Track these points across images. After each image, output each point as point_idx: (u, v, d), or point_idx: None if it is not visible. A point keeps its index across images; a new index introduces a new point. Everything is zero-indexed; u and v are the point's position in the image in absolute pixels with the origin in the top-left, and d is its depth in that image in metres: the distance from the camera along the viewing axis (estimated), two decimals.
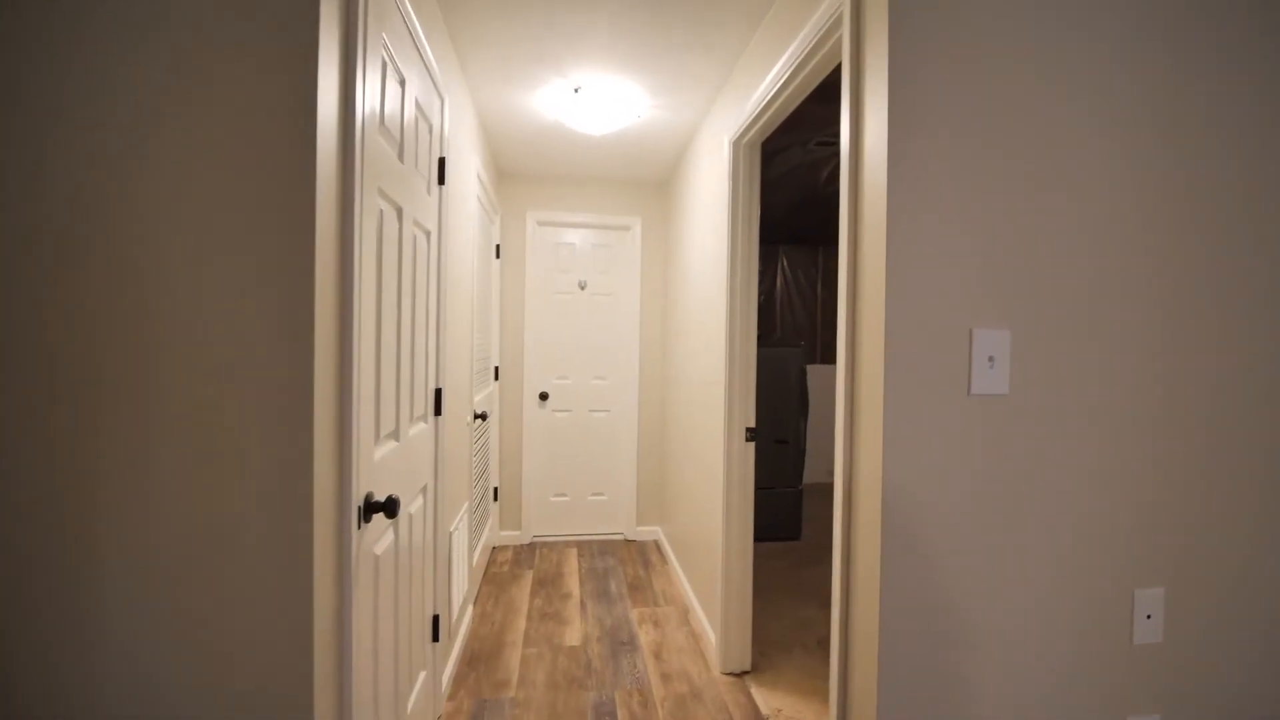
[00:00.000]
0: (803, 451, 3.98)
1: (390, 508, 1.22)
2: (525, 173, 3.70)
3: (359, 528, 1.17)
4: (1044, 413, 1.17)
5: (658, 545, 3.82)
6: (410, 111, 1.55)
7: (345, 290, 1.10)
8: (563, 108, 2.65)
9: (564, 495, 3.92)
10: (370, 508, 1.22)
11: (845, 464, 1.27)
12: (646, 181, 3.84)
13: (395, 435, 1.46)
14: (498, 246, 3.64)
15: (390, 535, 1.43)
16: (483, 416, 2.83)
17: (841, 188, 1.30)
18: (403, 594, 1.54)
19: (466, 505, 2.62)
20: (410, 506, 1.62)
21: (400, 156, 1.47)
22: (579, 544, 3.84)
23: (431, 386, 1.87)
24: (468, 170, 2.52)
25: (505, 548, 3.77)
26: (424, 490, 1.79)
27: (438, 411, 1.92)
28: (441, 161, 1.93)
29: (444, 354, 1.98)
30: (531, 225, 3.79)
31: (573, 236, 3.87)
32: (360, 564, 1.19)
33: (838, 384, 1.30)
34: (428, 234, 1.79)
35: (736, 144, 2.23)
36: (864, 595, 1.20)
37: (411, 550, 1.63)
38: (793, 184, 3.74)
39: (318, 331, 0.99)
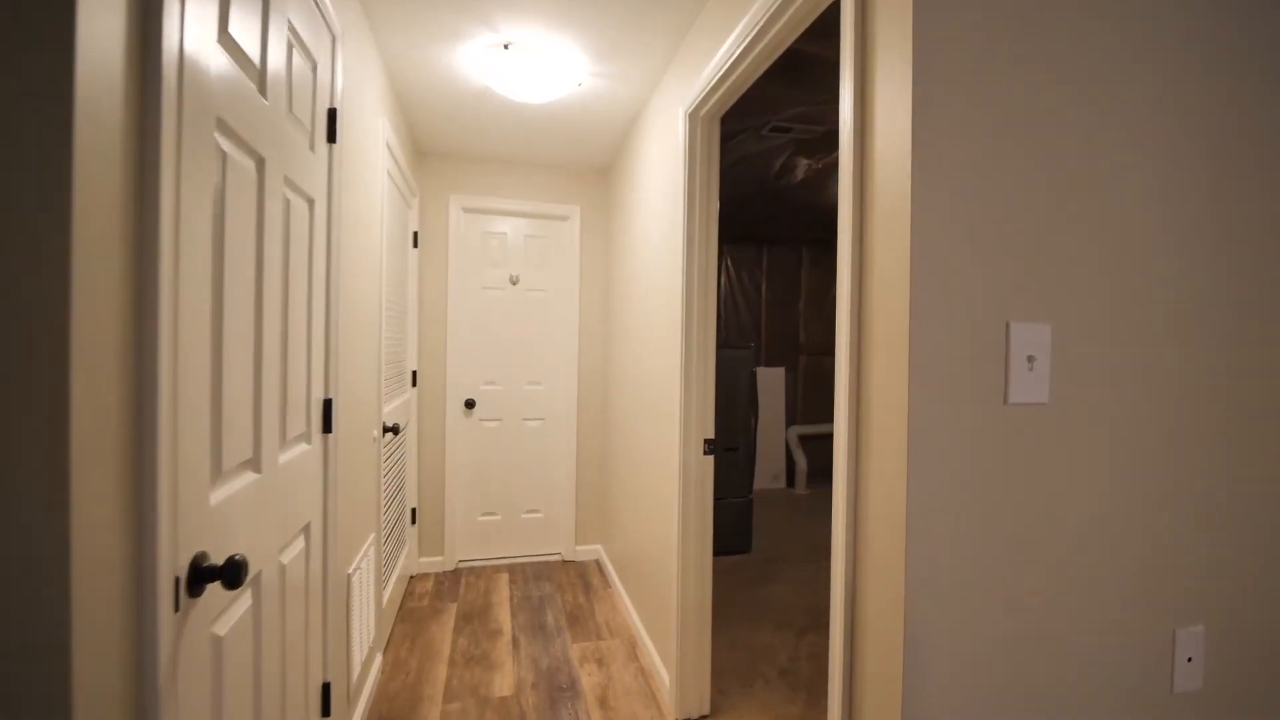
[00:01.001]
0: (753, 459, 3.79)
1: (231, 574, 0.86)
2: (448, 151, 3.31)
3: (177, 609, 0.81)
4: (1089, 426, 0.96)
5: (599, 566, 3.52)
6: (280, 35, 1.18)
7: (142, 258, 0.74)
8: (491, 69, 2.31)
9: (494, 514, 3.54)
10: (200, 575, 0.85)
11: (848, 492, 1.02)
12: (587, 166, 3.54)
13: (254, 465, 1.09)
14: (415, 234, 3.23)
15: (245, 602, 1.06)
16: (394, 430, 2.43)
17: (843, 171, 1.06)
18: (270, 673, 1.17)
19: (374, 536, 2.22)
20: (284, 555, 1.25)
21: (263, 90, 1.11)
22: (511, 568, 3.47)
23: (318, 397, 1.49)
24: (373, 136, 2.13)
25: (425, 576, 3.35)
26: (306, 530, 1.41)
27: (327, 428, 1.54)
28: (332, 114, 1.56)
29: (338, 357, 1.60)
30: (456, 211, 3.40)
31: (503, 225, 3.51)
32: (185, 657, 0.82)
33: (838, 397, 1.05)
34: (310, 201, 1.42)
35: (693, 116, 1.98)
36: (876, 655, 0.96)
37: (285, 612, 1.25)
38: (741, 176, 3.55)
39: (80, 321, 0.63)
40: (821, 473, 5.70)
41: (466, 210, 3.44)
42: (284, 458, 1.24)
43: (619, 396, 3.15)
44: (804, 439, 5.60)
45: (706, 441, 1.97)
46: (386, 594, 2.54)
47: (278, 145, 1.18)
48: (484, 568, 3.47)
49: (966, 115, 0.89)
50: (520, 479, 3.57)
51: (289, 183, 1.26)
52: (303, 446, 1.38)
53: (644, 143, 2.66)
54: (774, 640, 2.60)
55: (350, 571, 1.83)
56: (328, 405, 1.54)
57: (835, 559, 1.06)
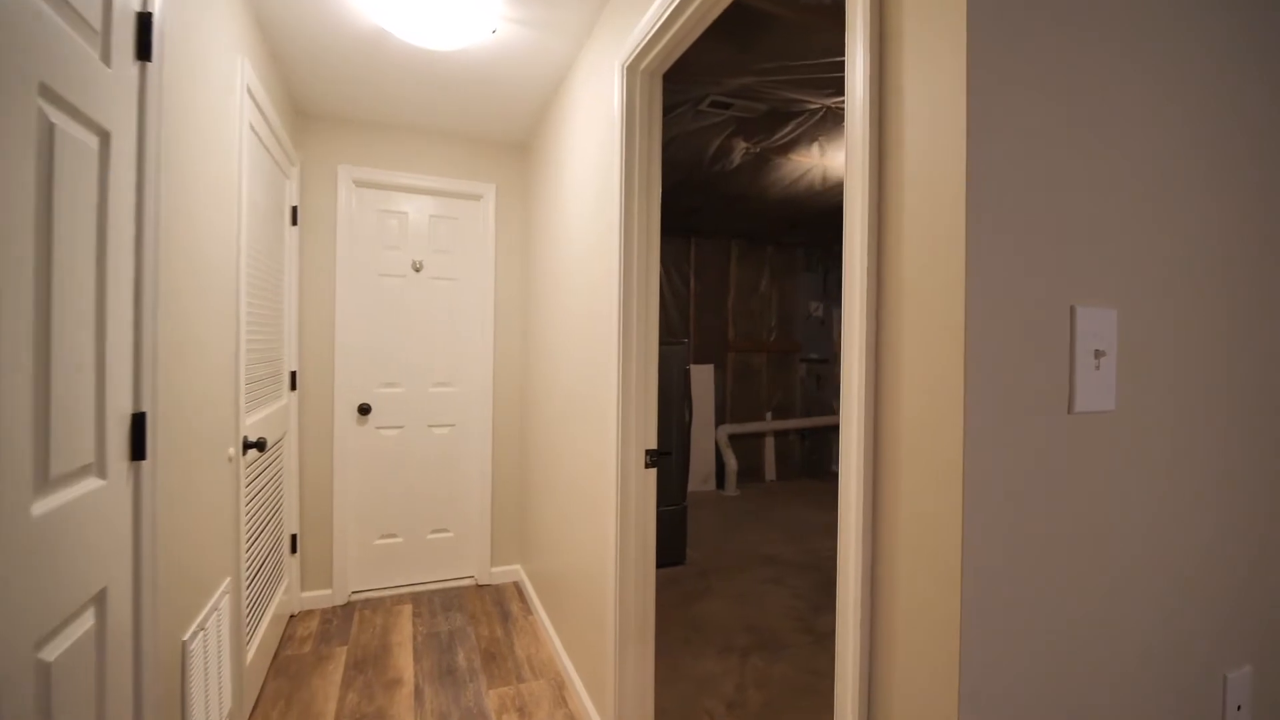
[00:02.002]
0: (686, 464, 3.58)
1: None
2: (337, 113, 2.83)
3: None
4: (1151, 440, 0.78)
5: (519, 589, 3.17)
6: None
7: None
8: (385, 4, 1.91)
9: (394, 536, 3.10)
10: None
11: (861, 532, 0.79)
12: (504, 140, 3.17)
13: None
14: (294, 209, 2.74)
15: None
16: (260, 445, 1.98)
17: (854, 137, 0.82)
18: None
19: (231, 581, 1.77)
20: (49, 648, 0.85)
21: None
22: (416, 598, 3.05)
23: (122, 412, 1.08)
24: (225, 76, 1.69)
25: (310, 614, 2.86)
26: (99, 600, 1.00)
27: (138, 454, 1.13)
28: (144, 21, 1.14)
29: (155, 355, 1.18)
30: (346, 185, 2.93)
31: (405, 204, 3.08)
32: None
33: (845, 407, 0.81)
34: (104, 135, 1.01)
35: (631, 70, 1.70)
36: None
37: None
38: (673, 159, 3.32)
39: None
40: (750, 473, 5.62)
41: (360, 184, 2.97)
42: (43, 506, 0.84)
43: (542, 400, 2.82)
44: (734, 438, 5.49)
45: (649, 453, 1.71)
46: (253, 646, 2.08)
47: (15, 30, 0.78)
48: (383, 599, 3.02)
49: (1028, 74, 0.68)
50: (426, 494, 3.15)
51: (51, 96, 0.86)
52: (88, 484, 0.97)
53: (571, 110, 2.35)
54: (717, 667, 2.39)
55: (187, 637, 1.41)
56: (139, 422, 1.13)
57: (848, 629, 0.82)
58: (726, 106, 2.58)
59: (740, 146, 3.07)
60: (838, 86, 2.31)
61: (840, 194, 3.84)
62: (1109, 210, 0.74)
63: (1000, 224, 0.67)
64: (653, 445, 1.71)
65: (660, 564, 3.51)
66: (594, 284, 2.02)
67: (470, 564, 3.25)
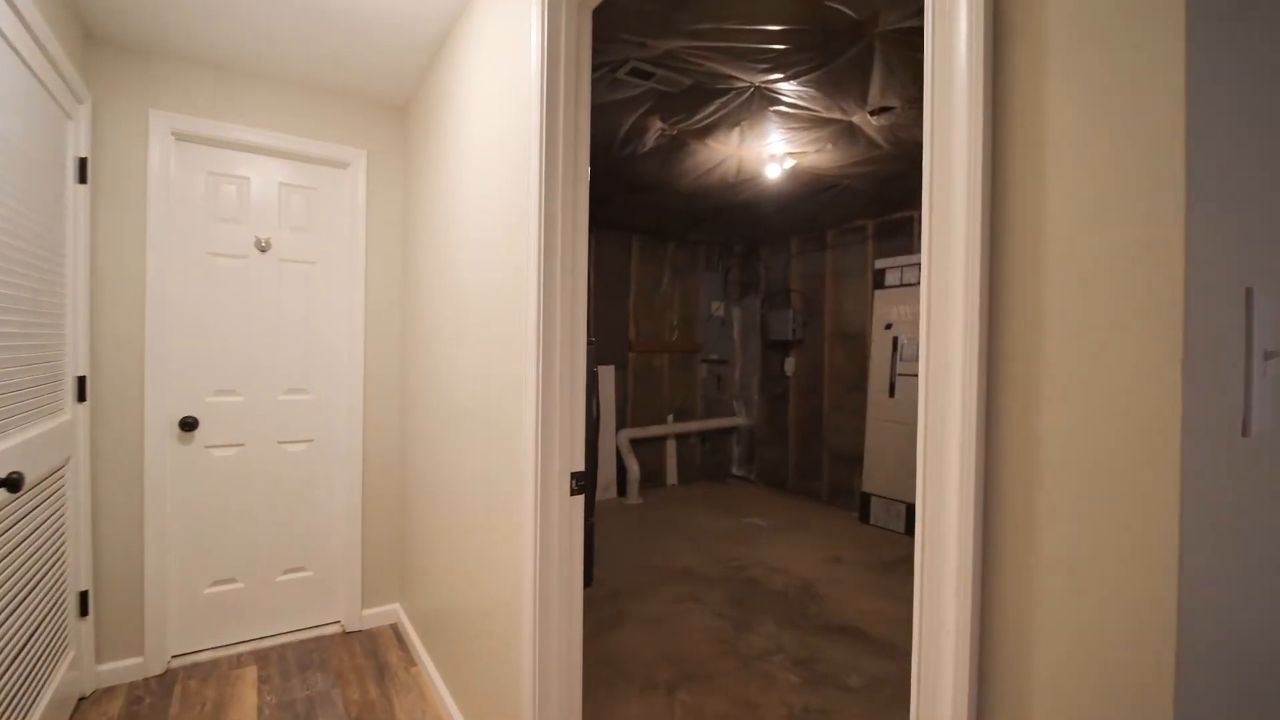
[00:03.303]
0: (594, 473, 3.29)
1: None
2: (148, 43, 2.21)
3: None
4: None
5: (399, 634, 2.70)
6: None
7: None
8: None
9: (231, 581, 2.51)
10: None
11: (972, 600, 0.55)
12: (380, 97, 2.69)
13: None
14: (83, 161, 2.09)
15: None
16: (12, 484, 1.41)
17: (937, 76, 0.60)
18: None
19: None
20: None
21: None
22: (263, 656, 2.48)
23: None
24: None
25: (111, 692, 2.21)
26: None
27: None
28: None
29: None
30: (162, 136, 2.30)
31: (247, 167, 2.50)
32: None
33: (922, 428, 0.57)
34: None
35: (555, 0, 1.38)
36: None
37: None
38: None
39: None
40: (652, 478, 5.45)
41: (183, 138, 2.36)
42: None
43: (429, 411, 2.40)
44: (635, 443, 5.29)
45: (575, 477, 1.40)
46: None
47: None
48: (217, 663, 2.43)
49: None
50: (275, 527, 2.59)
51: None
52: None
53: (469, 57, 1.97)
54: (642, 711, 2.12)
55: None
56: None
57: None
58: (647, 76, 2.32)
59: (656, 127, 2.83)
60: (775, 61, 2.15)
61: (752, 188, 3.75)
62: None
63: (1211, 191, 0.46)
64: (579, 468, 1.40)
65: None
66: (499, 277, 1.67)
67: (335, 607, 2.72)
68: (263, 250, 2.52)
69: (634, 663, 2.44)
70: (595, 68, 2.29)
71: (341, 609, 2.72)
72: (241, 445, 2.51)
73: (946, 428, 0.59)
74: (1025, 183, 0.56)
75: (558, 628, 1.42)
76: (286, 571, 2.62)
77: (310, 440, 2.65)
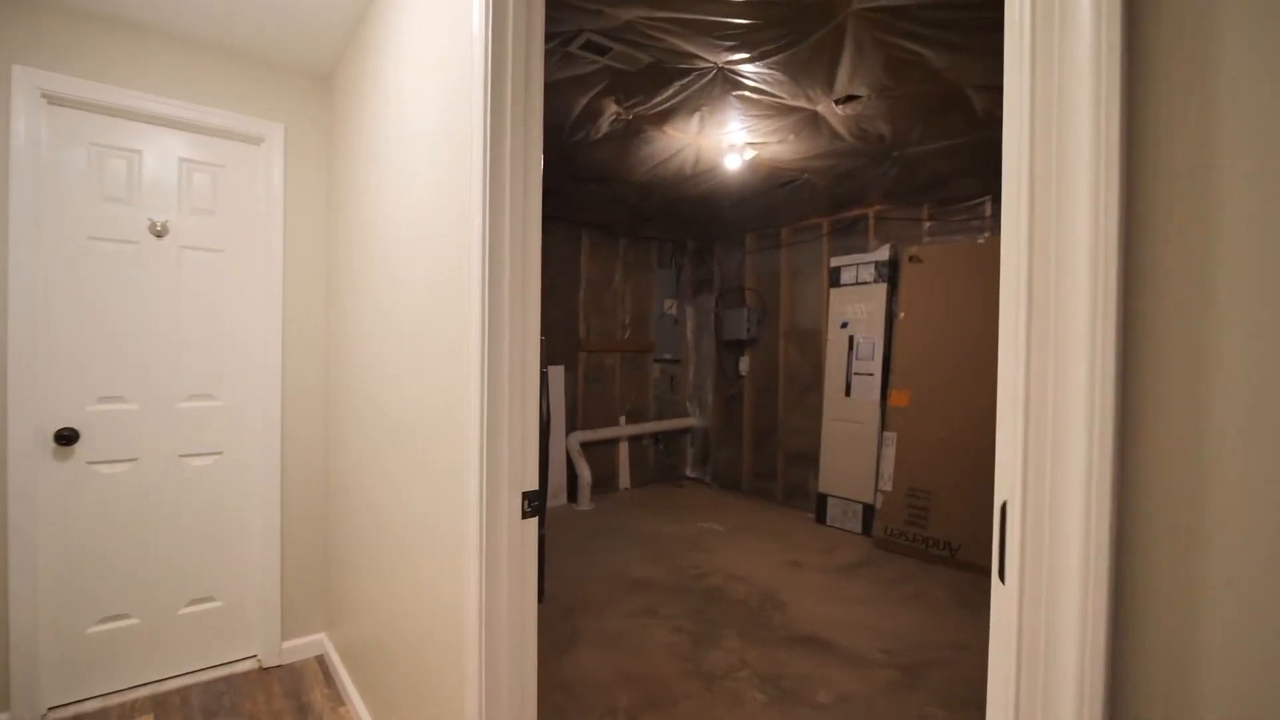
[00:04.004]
0: (545, 481, 3.09)
1: None
2: None
3: None
4: None
5: (326, 666, 2.43)
6: None
7: None
8: None
9: (123, 617, 2.19)
10: None
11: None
12: (297, 62, 2.40)
13: None
14: None
15: None
16: None
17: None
18: None
19: None
20: None
21: None
22: (162, 701, 2.17)
23: None
24: None
25: None
26: None
27: None
28: None
29: None
30: (29, 98, 1.96)
31: (140, 139, 2.17)
32: None
33: (1017, 439, 0.43)
34: None
35: None
36: None
37: None
38: None
39: None
40: (604, 482, 5.27)
41: (56, 101, 2.02)
42: None
43: (360, 420, 2.14)
44: (587, 446, 5.10)
45: (528, 497, 1.21)
46: None
47: None
48: (105, 712, 2.10)
49: None
50: (177, 552, 2.27)
51: None
52: None
53: (400, 15, 1.74)
54: None
55: None
56: None
57: None
58: (603, 52, 2.15)
59: (611, 110, 2.66)
60: (741, 39, 2.01)
61: (709, 180, 3.63)
62: None
63: None
64: (532, 486, 1.22)
65: None
66: (440, 276, 1.46)
67: (251, 641, 2.42)
68: (159, 235, 2.20)
69: (591, 688, 2.26)
70: (547, 38, 2.10)
71: (258, 642, 2.43)
72: (134, 460, 2.18)
73: (1064, 436, 0.45)
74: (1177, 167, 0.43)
75: (508, 671, 1.23)
76: (192, 603, 2.30)
77: (219, 453, 2.34)
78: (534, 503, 1.21)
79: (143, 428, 2.19)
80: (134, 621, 2.21)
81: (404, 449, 1.68)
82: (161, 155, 2.21)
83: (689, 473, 5.91)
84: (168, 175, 2.22)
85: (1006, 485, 0.57)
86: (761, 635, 2.66)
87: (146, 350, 2.19)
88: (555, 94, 2.50)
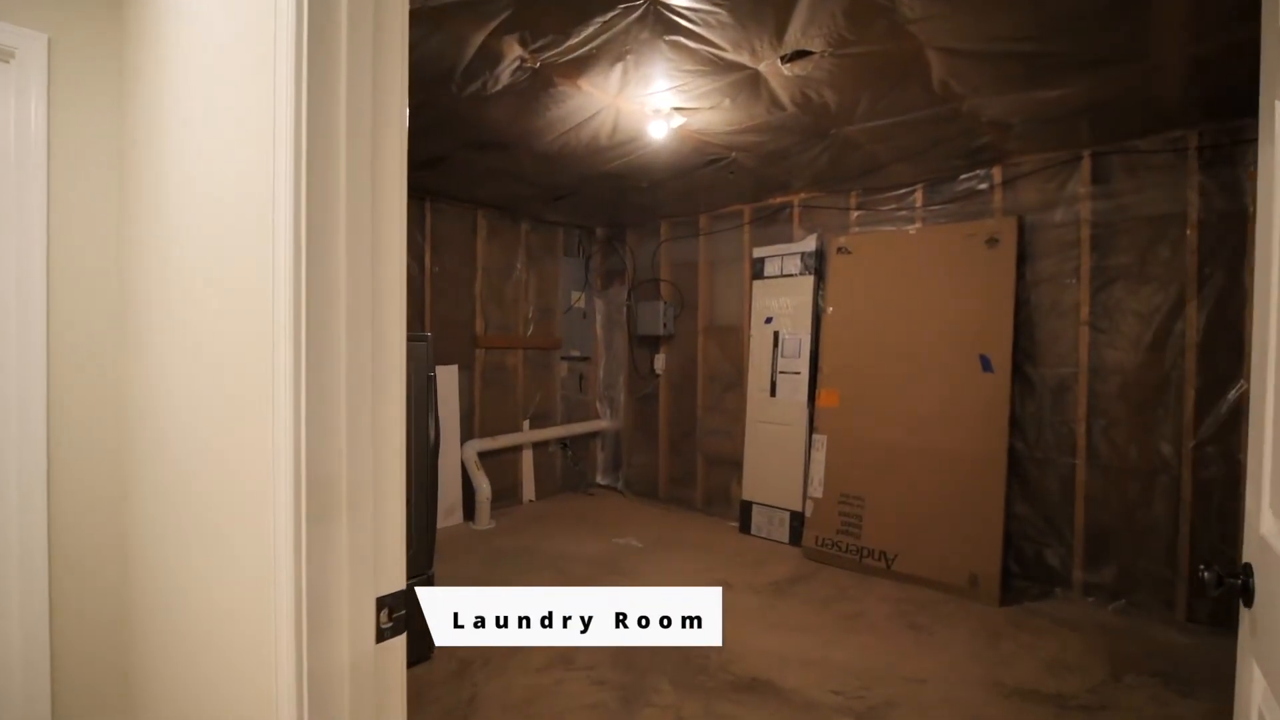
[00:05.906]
0: (433, 507, 2.56)
1: None
2: None
3: None
4: None
5: None
6: None
7: None
8: None
9: None
10: None
11: None
12: None
13: None
14: None
15: None
16: None
17: None
18: None
19: None
20: None
21: None
22: None
23: None
24: None
25: None
26: None
27: None
28: None
29: None
30: None
31: None
32: None
33: None
34: None
35: None
36: None
37: None
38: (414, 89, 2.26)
39: None
40: (506, 495, 4.74)
41: None
42: None
43: (163, 447, 1.54)
44: (485, 456, 4.54)
45: (385, 606, 0.74)
46: None
47: None
48: None
49: None
50: None
51: None
52: None
53: None
54: None
55: None
56: None
57: None
58: None
59: (514, 54, 2.17)
60: None
61: (627, 153, 3.21)
62: None
63: None
64: (398, 586, 0.75)
65: None
66: (246, 260, 0.94)
67: None
68: None
69: None
70: None
71: None
72: None
73: None
74: None
75: None
76: None
77: None
78: (397, 613, 0.75)
79: None
80: None
81: (200, 515, 1.14)
82: None
83: (600, 480, 5.50)
84: None
85: None
86: (699, 681, 2.31)
87: None
88: (437, 25, 1.97)
